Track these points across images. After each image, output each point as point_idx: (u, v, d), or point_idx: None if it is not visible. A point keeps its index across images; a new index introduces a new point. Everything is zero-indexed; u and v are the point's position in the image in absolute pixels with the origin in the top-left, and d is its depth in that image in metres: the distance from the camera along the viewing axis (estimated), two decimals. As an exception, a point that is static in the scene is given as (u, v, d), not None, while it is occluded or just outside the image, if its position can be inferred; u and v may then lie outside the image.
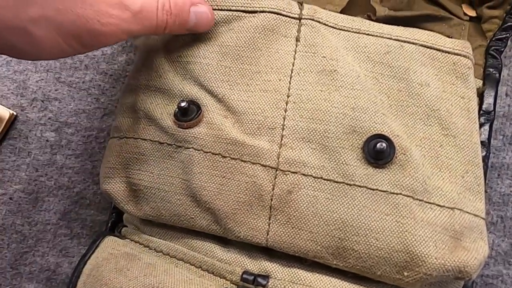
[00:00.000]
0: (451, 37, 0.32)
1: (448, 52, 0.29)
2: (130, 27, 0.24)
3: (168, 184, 0.28)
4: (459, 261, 0.24)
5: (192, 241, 0.29)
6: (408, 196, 0.25)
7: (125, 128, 0.30)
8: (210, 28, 0.29)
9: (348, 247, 0.25)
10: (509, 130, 0.33)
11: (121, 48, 0.40)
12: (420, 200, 0.25)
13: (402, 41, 0.29)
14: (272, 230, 0.26)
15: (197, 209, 0.28)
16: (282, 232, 0.26)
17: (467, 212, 0.26)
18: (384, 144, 0.25)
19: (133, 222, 0.32)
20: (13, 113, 0.38)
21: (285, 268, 0.27)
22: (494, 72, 0.32)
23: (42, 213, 0.37)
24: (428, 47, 0.29)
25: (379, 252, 0.25)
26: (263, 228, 0.27)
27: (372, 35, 0.29)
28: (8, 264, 0.36)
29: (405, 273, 0.25)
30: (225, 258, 0.28)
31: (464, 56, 0.29)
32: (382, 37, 0.29)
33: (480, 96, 0.31)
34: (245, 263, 0.28)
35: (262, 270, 0.27)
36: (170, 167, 0.28)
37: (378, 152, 0.25)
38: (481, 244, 0.25)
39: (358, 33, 0.29)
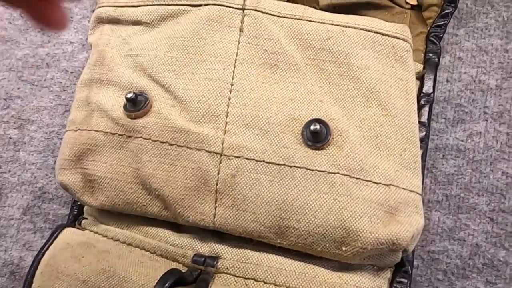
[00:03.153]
0: (393, 24, 0.33)
1: (388, 35, 0.30)
2: None
3: (121, 174, 0.29)
4: (392, 234, 0.25)
5: (147, 228, 0.30)
6: (345, 175, 0.26)
7: (79, 121, 0.31)
8: None
9: (289, 225, 0.26)
10: (450, 114, 0.34)
11: (81, 46, 0.41)
12: (357, 178, 0.26)
13: (343, 26, 0.30)
14: (218, 213, 0.28)
15: (148, 197, 0.29)
16: (227, 215, 0.27)
17: (403, 188, 0.27)
18: (318, 125, 0.26)
19: (92, 214, 0.33)
20: (-25, 112, 0.39)
21: (234, 249, 0.28)
22: (433, 57, 0.33)
23: (6, 208, 0.37)
24: (368, 31, 0.30)
25: (318, 229, 0.26)
26: (209, 211, 0.28)
27: (314, 21, 0.30)
28: (-27, 260, 0.37)
29: (343, 248, 0.26)
30: (177, 243, 0.29)
31: (403, 39, 0.30)
32: (323, 23, 0.30)
33: (421, 79, 0.33)
34: (196, 247, 0.29)
35: (212, 252, 0.29)
36: (121, 157, 0.29)
37: (314, 133, 0.26)
38: (416, 217, 0.27)
39: (300, 19, 0.30)
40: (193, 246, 0.29)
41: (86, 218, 0.33)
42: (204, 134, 0.28)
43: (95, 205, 0.31)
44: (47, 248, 0.31)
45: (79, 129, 0.31)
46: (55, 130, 0.39)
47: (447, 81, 0.35)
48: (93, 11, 0.41)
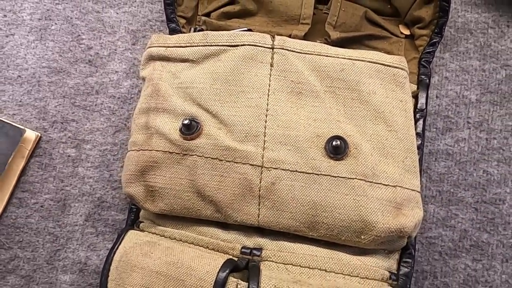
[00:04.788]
0: (392, 53, 0.41)
1: (389, 66, 0.37)
2: None
3: (178, 184, 0.36)
4: (400, 224, 0.33)
5: (199, 227, 0.37)
6: (361, 179, 0.34)
7: (140, 143, 0.37)
8: None
9: (319, 221, 0.34)
10: (440, 124, 0.42)
11: (125, 74, 0.47)
12: (370, 182, 0.34)
13: (353, 59, 0.37)
14: (262, 213, 0.35)
15: (202, 202, 0.36)
16: (269, 214, 0.34)
17: (406, 188, 0.34)
18: (338, 142, 0.33)
19: (149, 218, 0.40)
20: (38, 134, 0.45)
21: (274, 241, 0.36)
22: (425, 78, 0.40)
23: (70, 216, 0.44)
24: (373, 63, 0.37)
25: (342, 223, 0.33)
26: (254, 212, 0.35)
27: (330, 56, 0.37)
28: (44, 260, 0.43)
29: (362, 237, 0.33)
30: (226, 238, 0.36)
31: (401, 68, 0.37)
32: (337, 57, 0.37)
33: (415, 97, 0.40)
34: (242, 241, 0.36)
35: (256, 244, 0.36)
36: (178, 171, 0.36)
37: (335, 147, 0.33)
38: (417, 211, 0.34)
39: (319, 55, 0.37)
40: (240, 240, 0.36)
41: (143, 222, 0.40)
42: (247, 151, 0.35)
43: (155, 211, 0.37)
44: (117, 248, 0.37)
45: (141, 149, 0.37)
46: (108, 148, 0.45)
47: (437, 97, 0.43)
48: (133, 44, 0.48)
